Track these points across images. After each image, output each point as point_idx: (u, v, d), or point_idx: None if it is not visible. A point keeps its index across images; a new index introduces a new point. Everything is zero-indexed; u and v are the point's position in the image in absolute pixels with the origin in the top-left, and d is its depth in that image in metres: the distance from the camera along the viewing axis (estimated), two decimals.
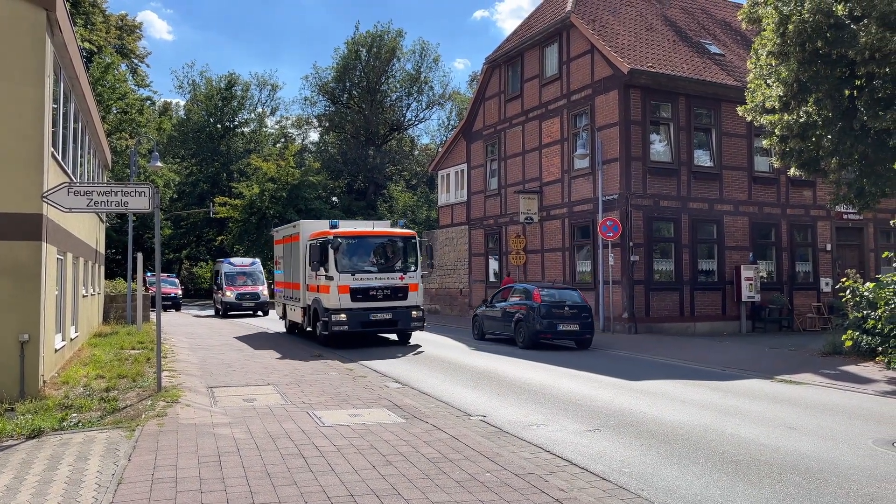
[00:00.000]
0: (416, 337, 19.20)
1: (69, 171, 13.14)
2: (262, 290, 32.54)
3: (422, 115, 67.44)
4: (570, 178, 23.53)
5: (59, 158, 11.79)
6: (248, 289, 32.35)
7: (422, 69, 63.14)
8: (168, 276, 43.43)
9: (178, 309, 37.63)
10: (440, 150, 37.37)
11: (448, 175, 33.15)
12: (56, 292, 11.75)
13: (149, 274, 40.87)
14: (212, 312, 34.76)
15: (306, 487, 5.86)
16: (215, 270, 35.17)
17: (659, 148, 22.01)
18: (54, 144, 11.15)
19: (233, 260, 34.84)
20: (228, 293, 31.69)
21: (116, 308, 23.94)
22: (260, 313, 31.86)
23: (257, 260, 35.33)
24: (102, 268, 24.49)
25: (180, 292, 40.61)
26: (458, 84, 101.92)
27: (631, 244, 20.87)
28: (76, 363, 12.93)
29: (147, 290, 33.59)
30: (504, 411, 9.42)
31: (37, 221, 9.81)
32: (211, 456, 6.82)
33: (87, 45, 36.69)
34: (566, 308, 17.30)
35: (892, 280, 14.12)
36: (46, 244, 10.19)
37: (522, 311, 17.58)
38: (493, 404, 9.94)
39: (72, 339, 14.22)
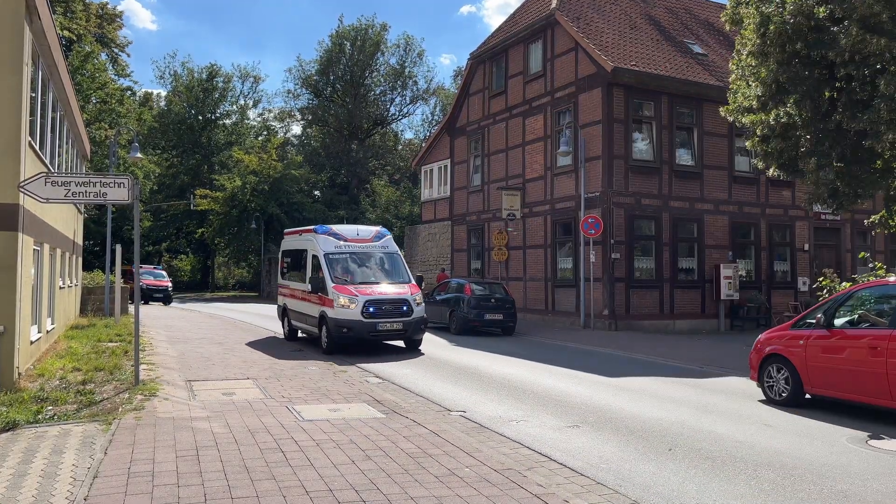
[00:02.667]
0: None
1: (47, 161, 12.96)
2: (410, 294, 15.64)
3: (406, 110, 67.41)
4: (552, 175, 23.60)
5: (37, 148, 11.62)
6: (384, 291, 15.51)
7: (406, 64, 62.99)
8: (155, 267, 42.34)
9: (167, 302, 36.70)
10: (424, 145, 37.32)
11: (431, 170, 33.12)
12: (32, 284, 11.60)
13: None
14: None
15: (285, 482, 5.84)
16: (294, 250, 18.17)
17: (641, 146, 22.14)
18: (32, 133, 10.99)
19: (340, 229, 16.84)
20: (342, 300, 14.95)
21: (94, 300, 23.68)
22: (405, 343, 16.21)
23: (387, 232, 17.34)
24: (80, 259, 24.21)
25: (171, 285, 39.30)
26: (443, 79, 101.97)
27: (612, 242, 20.99)
28: (52, 355, 12.78)
29: (127, 283, 33.23)
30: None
31: (13, 212, 9.66)
32: (189, 450, 6.77)
33: (66, 33, 36.18)
34: (493, 300, 20.17)
35: (868, 279, 14.33)
36: (23, 235, 10.05)
37: (456, 302, 20.33)
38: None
39: (48, 332, 14.04)
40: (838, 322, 9.45)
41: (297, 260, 17.61)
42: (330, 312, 14.79)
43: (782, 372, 9.92)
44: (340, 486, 5.75)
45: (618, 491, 5.91)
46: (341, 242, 16.01)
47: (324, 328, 15.10)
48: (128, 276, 33.74)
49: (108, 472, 6.04)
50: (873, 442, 7.72)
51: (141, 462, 6.33)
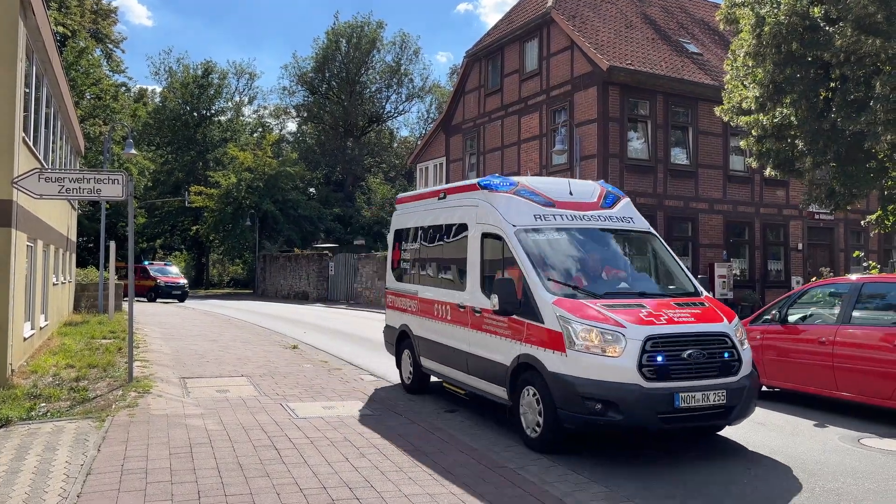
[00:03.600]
0: None
1: (40, 157, 12.91)
2: (727, 322, 7.28)
3: (401, 108, 67.30)
4: (548, 173, 23.59)
5: (31, 144, 11.58)
6: (678, 318, 7.13)
7: (402, 61, 63.01)
8: (165, 264, 40.83)
9: (183, 299, 35.74)
10: (419, 143, 37.31)
11: (427, 168, 33.11)
12: (25, 280, 11.56)
13: (146, 262, 38.38)
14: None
15: (279, 479, 5.84)
16: (426, 228, 10.08)
17: (636, 145, 22.17)
18: (25, 129, 10.95)
19: (535, 183, 8.62)
20: (588, 333, 6.79)
21: (88, 297, 23.60)
22: None
23: (619, 192, 9.21)
24: (74, 256, 24.13)
25: (186, 281, 38.42)
26: (439, 77, 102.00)
27: None
28: (46, 352, 12.74)
29: (141, 280, 33.31)
30: None
31: (6, 208, 9.62)
32: (182, 447, 6.76)
33: (60, 28, 36.00)
34: None
35: None
36: (16, 231, 10.01)
37: None
38: None
39: (41, 328, 14.00)
40: (792, 318, 9.84)
41: (435, 243, 9.81)
42: (555, 361, 6.87)
43: None
44: (334, 484, 5.74)
45: None
46: (547, 210, 8.18)
47: (529, 394, 7.21)
48: (140, 273, 34.27)
49: (101, 468, 6.02)
50: (866, 441, 7.75)
51: (134, 459, 6.32)
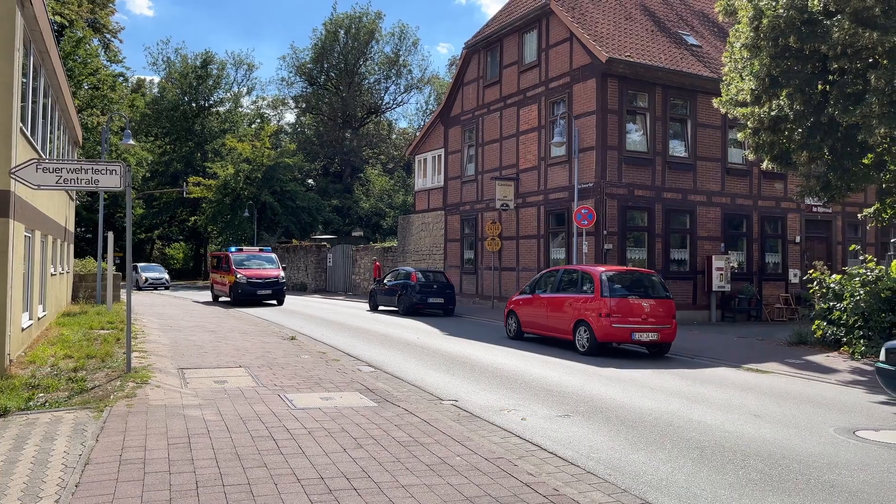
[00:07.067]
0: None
1: (38, 148, 12.89)
2: None
3: (400, 99, 67.24)
4: (546, 165, 23.60)
5: (28, 134, 11.55)
6: None
7: (401, 52, 62.84)
8: (262, 249, 29.70)
9: (281, 300, 26.89)
10: (418, 134, 37.26)
11: (425, 160, 33.07)
12: (23, 270, 11.56)
13: (231, 249, 28.50)
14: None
15: (276, 469, 5.86)
16: None
17: (635, 137, 22.16)
18: (23, 119, 10.92)
19: None
20: None
21: (86, 287, 23.61)
22: None
23: None
24: (72, 246, 24.12)
25: (280, 273, 27.50)
26: (437, 68, 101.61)
27: (605, 232, 21.03)
28: (44, 342, 12.75)
29: (221, 275, 27.58)
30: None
31: (4, 198, 9.62)
32: (180, 437, 6.78)
33: (58, 18, 35.87)
34: (435, 286, 23.51)
35: (858, 272, 14.44)
36: (14, 221, 10.00)
37: (404, 288, 23.49)
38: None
39: (39, 319, 14.01)
40: (536, 291, 16.06)
41: None
42: None
43: (513, 318, 16.57)
44: (332, 474, 5.77)
45: (607, 480, 5.96)
46: None
47: None
48: (220, 265, 28.03)
49: (99, 459, 6.04)
50: (860, 433, 7.80)
51: (132, 449, 6.34)
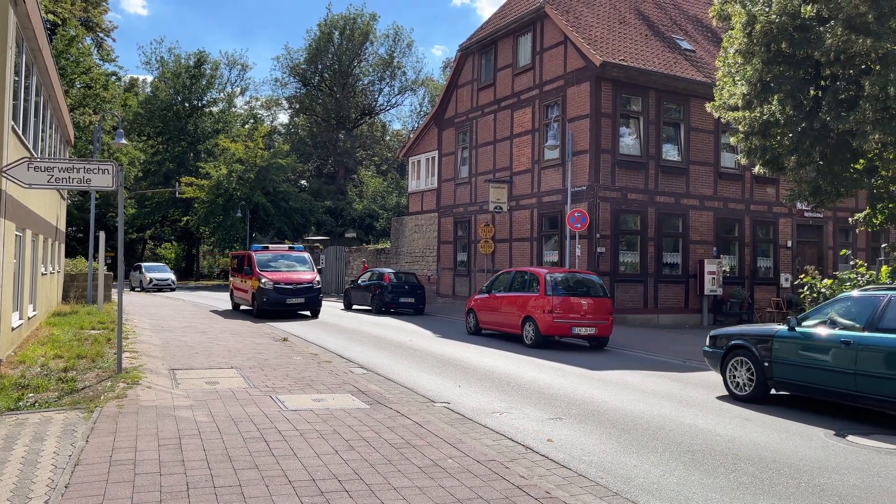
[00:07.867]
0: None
1: (30, 146, 12.82)
2: None
3: (394, 101, 67.24)
4: (540, 168, 23.64)
5: (20, 132, 11.49)
6: None
7: (395, 54, 62.85)
8: (292, 247, 24.28)
9: (316, 312, 21.75)
10: (412, 136, 37.25)
11: (419, 162, 33.07)
12: (14, 269, 11.49)
13: (256, 248, 23.27)
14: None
15: (268, 471, 5.84)
16: None
17: (628, 141, 22.22)
18: (15, 118, 10.86)
19: None
20: None
21: (77, 287, 23.49)
22: None
23: None
24: (63, 246, 23.99)
25: (315, 276, 22.10)
26: (432, 70, 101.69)
27: (598, 236, 21.07)
28: (34, 342, 12.68)
29: (243, 278, 21.85)
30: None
31: None
32: (171, 438, 6.75)
33: (50, 16, 35.69)
34: (406, 287, 24.79)
35: (849, 277, 14.52)
36: (4, 220, 9.95)
37: (377, 288, 24.72)
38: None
39: (29, 318, 13.92)
40: (492, 290, 17.35)
41: None
42: None
43: (472, 315, 17.92)
44: (324, 476, 5.75)
45: (599, 483, 5.96)
46: None
47: None
48: (242, 266, 22.26)
49: (89, 459, 6.01)
50: (850, 437, 7.83)
51: (123, 450, 6.30)
